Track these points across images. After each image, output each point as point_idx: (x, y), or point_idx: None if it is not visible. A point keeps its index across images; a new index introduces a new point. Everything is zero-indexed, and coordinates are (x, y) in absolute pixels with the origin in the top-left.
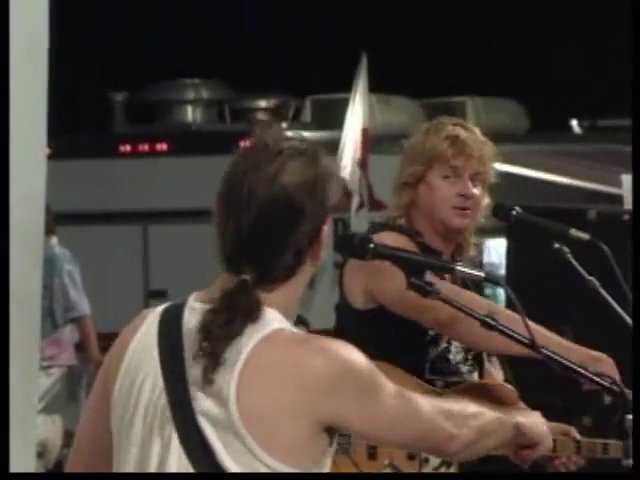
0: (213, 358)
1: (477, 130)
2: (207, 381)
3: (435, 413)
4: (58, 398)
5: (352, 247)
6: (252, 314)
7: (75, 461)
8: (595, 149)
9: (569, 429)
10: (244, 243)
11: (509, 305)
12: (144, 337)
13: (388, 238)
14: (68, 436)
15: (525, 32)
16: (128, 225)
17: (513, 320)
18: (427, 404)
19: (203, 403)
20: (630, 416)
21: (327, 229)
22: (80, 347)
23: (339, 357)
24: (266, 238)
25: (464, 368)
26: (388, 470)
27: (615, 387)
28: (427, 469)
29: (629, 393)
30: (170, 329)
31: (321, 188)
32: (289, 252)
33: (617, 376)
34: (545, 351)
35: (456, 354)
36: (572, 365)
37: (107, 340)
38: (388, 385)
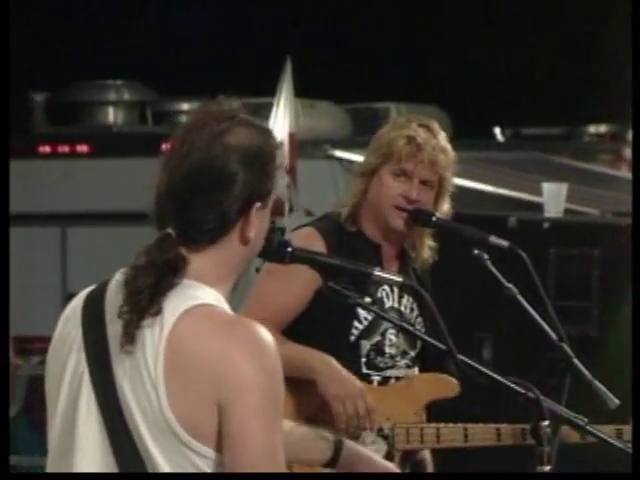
0: (135, 312)
1: (442, 135)
2: (128, 337)
3: None
4: None
5: (270, 250)
6: (174, 268)
7: None
8: (517, 157)
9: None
10: (172, 196)
11: (426, 310)
12: (68, 316)
13: (300, 236)
14: None
15: (450, 40)
16: (46, 227)
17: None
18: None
19: (123, 365)
20: (546, 422)
21: (263, 214)
22: None
23: (264, 366)
24: (193, 194)
25: (402, 362)
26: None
27: (531, 394)
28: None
29: (544, 400)
30: (94, 302)
31: (262, 162)
32: (213, 214)
33: None
34: (461, 357)
35: (390, 347)
36: (488, 372)
37: (25, 343)
38: (281, 422)
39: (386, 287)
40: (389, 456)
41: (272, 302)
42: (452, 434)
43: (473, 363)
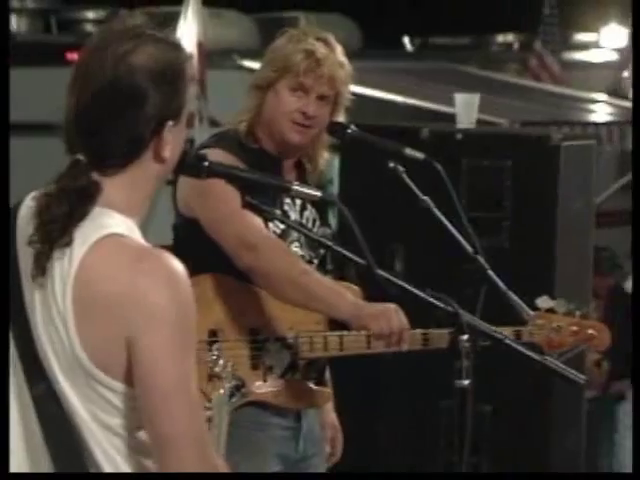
0: (46, 243)
1: (339, 49)
2: (40, 269)
3: (199, 425)
4: None
5: (186, 165)
6: (87, 195)
7: None
8: (427, 67)
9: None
10: (79, 120)
11: (343, 225)
12: None
13: (215, 156)
14: None
15: None
16: None
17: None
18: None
19: (34, 296)
20: (465, 336)
21: (176, 130)
22: None
23: (173, 297)
24: (100, 117)
25: None
26: (232, 383)
27: (450, 308)
28: (271, 378)
29: (463, 314)
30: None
31: (171, 79)
32: (123, 138)
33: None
34: (380, 272)
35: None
36: (408, 286)
37: None
38: (194, 357)
39: (288, 200)
40: (293, 365)
41: (245, 215)
42: (355, 341)
43: (392, 278)
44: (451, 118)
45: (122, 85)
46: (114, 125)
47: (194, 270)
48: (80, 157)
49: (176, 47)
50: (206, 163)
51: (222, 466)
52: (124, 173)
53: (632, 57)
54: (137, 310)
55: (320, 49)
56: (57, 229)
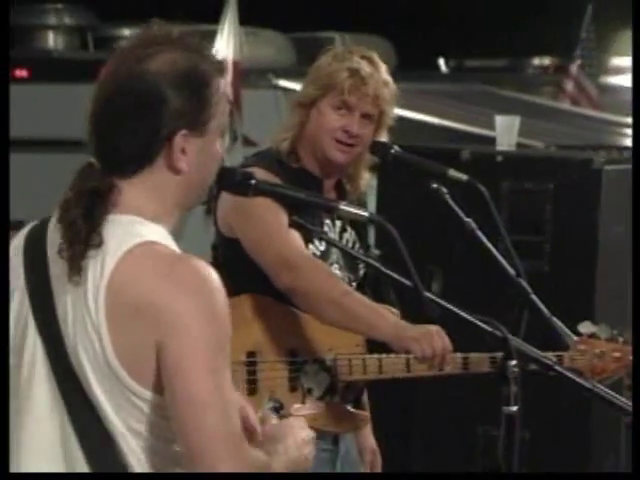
0: (76, 244)
1: (383, 68)
2: (75, 269)
3: (235, 434)
4: None
5: (233, 183)
6: (102, 195)
7: None
8: (462, 89)
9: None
10: (92, 125)
11: (380, 248)
12: (13, 253)
13: (257, 175)
14: None
15: None
16: None
17: (364, 302)
18: (233, 415)
19: (66, 307)
20: (513, 362)
21: (199, 143)
22: None
23: (202, 303)
24: (111, 121)
25: None
26: (271, 404)
27: (498, 332)
28: (310, 400)
29: (512, 339)
30: (34, 242)
31: (194, 86)
32: (132, 142)
33: (435, 347)
34: (427, 294)
35: None
36: (455, 309)
37: None
38: (227, 368)
39: (327, 220)
40: (332, 387)
41: (287, 235)
42: (394, 364)
43: (440, 301)
44: (487, 140)
45: (133, 88)
46: (122, 129)
47: (233, 290)
48: (92, 161)
49: (206, 57)
50: (253, 181)
51: (261, 459)
52: (140, 179)
53: (632, 55)
54: (163, 314)
55: (365, 67)
56: (83, 230)
